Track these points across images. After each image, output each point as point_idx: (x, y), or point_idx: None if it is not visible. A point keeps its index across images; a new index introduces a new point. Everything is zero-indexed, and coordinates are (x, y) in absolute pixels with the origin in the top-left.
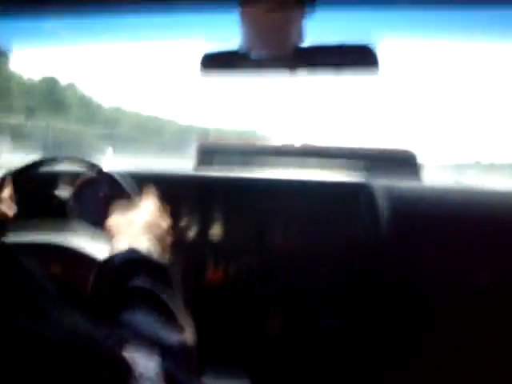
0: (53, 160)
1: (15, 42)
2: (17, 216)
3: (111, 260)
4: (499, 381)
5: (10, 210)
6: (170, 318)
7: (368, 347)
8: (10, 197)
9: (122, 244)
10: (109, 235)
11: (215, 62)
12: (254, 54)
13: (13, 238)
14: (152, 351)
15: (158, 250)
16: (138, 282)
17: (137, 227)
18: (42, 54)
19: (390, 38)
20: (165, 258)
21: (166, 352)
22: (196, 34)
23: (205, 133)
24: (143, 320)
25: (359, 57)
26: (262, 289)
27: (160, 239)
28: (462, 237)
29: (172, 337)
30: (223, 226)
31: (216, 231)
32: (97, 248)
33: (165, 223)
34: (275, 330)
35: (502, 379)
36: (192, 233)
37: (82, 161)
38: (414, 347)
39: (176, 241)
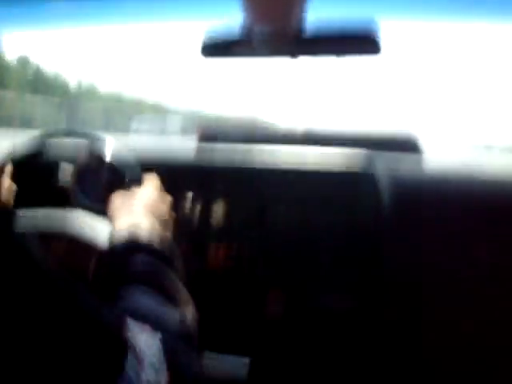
0: (54, 134)
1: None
2: (18, 198)
3: (112, 243)
4: (501, 377)
5: (10, 194)
6: (170, 298)
7: (369, 332)
8: (12, 180)
9: (122, 226)
10: (110, 217)
11: (216, 44)
12: (255, 34)
13: (14, 223)
14: (153, 330)
15: (158, 232)
16: (138, 263)
17: (138, 209)
18: (34, 37)
19: (396, 19)
20: (166, 240)
21: (167, 331)
22: (196, 15)
23: (203, 118)
24: (143, 300)
25: (361, 36)
26: (263, 272)
27: (161, 221)
28: (466, 224)
29: (172, 316)
30: (224, 209)
31: (217, 214)
32: (99, 232)
33: (166, 205)
34: (276, 312)
35: (503, 376)
36: (193, 215)
37: (83, 134)
38: (414, 334)
39: (177, 223)
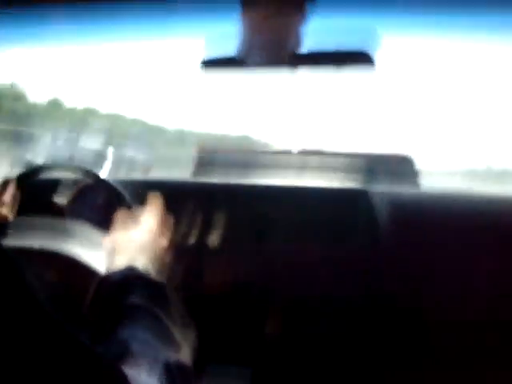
0: (53, 166)
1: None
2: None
3: (109, 277)
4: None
5: (10, 213)
6: (167, 335)
7: (368, 349)
8: (12, 200)
9: (120, 262)
10: (107, 251)
11: (215, 58)
12: (251, 59)
13: (11, 241)
14: (151, 367)
15: (156, 268)
16: (135, 299)
17: (136, 245)
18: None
19: (390, 37)
20: (163, 276)
21: (164, 369)
22: (194, 37)
23: (197, 139)
24: (140, 337)
25: (356, 61)
26: (261, 294)
27: (159, 257)
28: (462, 243)
29: (169, 354)
30: (222, 233)
31: (215, 237)
32: (94, 257)
33: (165, 240)
34: (275, 336)
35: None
36: (190, 239)
37: (81, 168)
38: (413, 354)
39: (175, 251)
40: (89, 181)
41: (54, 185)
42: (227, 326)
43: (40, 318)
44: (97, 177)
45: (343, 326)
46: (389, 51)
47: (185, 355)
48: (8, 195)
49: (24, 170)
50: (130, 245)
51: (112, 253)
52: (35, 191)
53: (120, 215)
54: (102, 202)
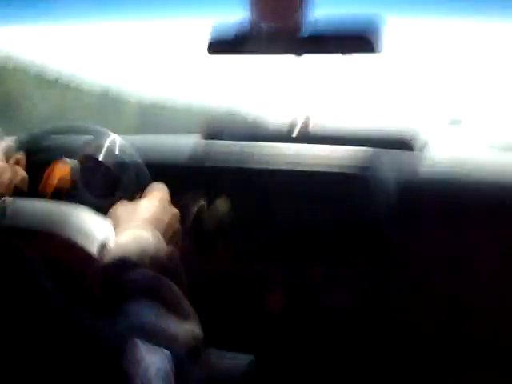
0: (59, 130)
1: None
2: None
3: (111, 253)
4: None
5: (25, 175)
6: (175, 307)
7: (371, 326)
8: (22, 167)
9: (126, 235)
10: (111, 224)
11: (222, 41)
12: (263, 27)
13: (14, 219)
14: (157, 343)
15: (160, 242)
16: (143, 273)
17: (143, 218)
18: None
19: (400, 17)
20: (169, 252)
21: (172, 343)
22: (201, 12)
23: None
24: (145, 312)
25: (364, 33)
26: (267, 264)
27: (164, 231)
28: (466, 227)
29: (176, 327)
30: (230, 200)
31: (222, 206)
32: (100, 229)
33: (170, 214)
34: (277, 309)
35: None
36: (198, 207)
37: (88, 130)
38: (416, 333)
39: (182, 219)
40: (99, 143)
41: (63, 148)
42: (229, 311)
43: (48, 309)
44: (107, 139)
45: (346, 309)
46: (394, 33)
47: (193, 327)
48: (23, 158)
49: (30, 134)
50: (134, 219)
51: (116, 227)
52: (42, 157)
53: (127, 184)
54: (112, 166)
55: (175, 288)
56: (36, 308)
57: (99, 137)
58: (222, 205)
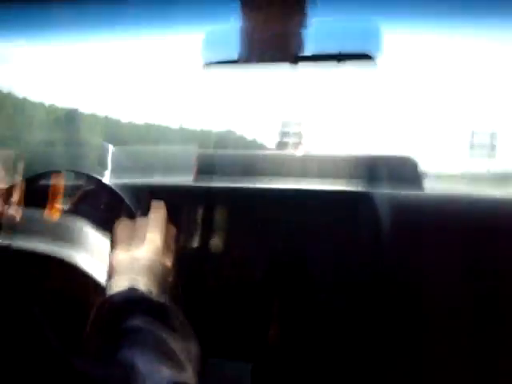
0: (53, 173)
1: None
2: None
3: (110, 299)
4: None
5: (18, 214)
6: (170, 355)
7: (371, 336)
8: (19, 202)
9: (121, 282)
10: (109, 271)
11: (214, 52)
12: (253, 60)
13: (15, 244)
14: None
15: (159, 289)
16: (137, 321)
17: (138, 265)
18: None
19: (392, 36)
20: (166, 297)
21: None
22: (194, 34)
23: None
24: (144, 358)
25: (359, 61)
26: (263, 298)
27: (161, 279)
28: (466, 247)
29: (174, 374)
30: (224, 236)
31: (216, 242)
32: (95, 265)
33: (169, 255)
34: (278, 322)
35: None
36: (192, 243)
37: (82, 173)
38: (413, 353)
39: (178, 257)
40: (90, 186)
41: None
42: (228, 322)
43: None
44: (98, 182)
45: (345, 328)
46: (391, 50)
47: (189, 376)
48: (14, 199)
49: (27, 176)
50: (132, 262)
51: (113, 270)
52: (37, 197)
53: (122, 225)
54: (103, 209)
55: (168, 338)
56: (38, 357)
57: (88, 180)
58: (215, 241)
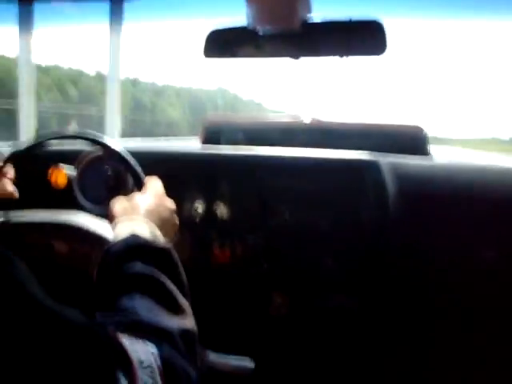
0: (55, 137)
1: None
2: (22, 196)
3: (112, 247)
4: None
5: (13, 189)
6: (171, 301)
7: (374, 328)
8: (15, 176)
9: (123, 229)
10: (111, 218)
11: (220, 39)
12: (260, 30)
13: (17, 217)
14: (151, 337)
15: (160, 235)
16: (138, 267)
17: (139, 212)
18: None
19: (398, 17)
20: (167, 243)
21: (166, 337)
22: (201, 13)
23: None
24: (142, 305)
25: (368, 32)
26: (267, 267)
27: (163, 224)
28: (472, 216)
29: (172, 321)
30: (229, 204)
31: (221, 210)
32: (101, 226)
33: (169, 207)
34: (280, 310)
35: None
36: (197, 211)
37: (86, 137)
38: (420, 330)
39: (180, 222)
40: (97, 151)
41: (62, 155)
42: (226, 313)
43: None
44: (106, 145)
45: (350, 303)
46: (396, 33)
47: (189, 321)
48: (12, 170)
49: (30, 142)
50: (133, 213)
51: (116, 221)
52: (43, 163)
53: (126, 188)
54: (110, 173)
55: (169, 283)
56: (26, 315)
57: (96, 143)
58: (221, 205)
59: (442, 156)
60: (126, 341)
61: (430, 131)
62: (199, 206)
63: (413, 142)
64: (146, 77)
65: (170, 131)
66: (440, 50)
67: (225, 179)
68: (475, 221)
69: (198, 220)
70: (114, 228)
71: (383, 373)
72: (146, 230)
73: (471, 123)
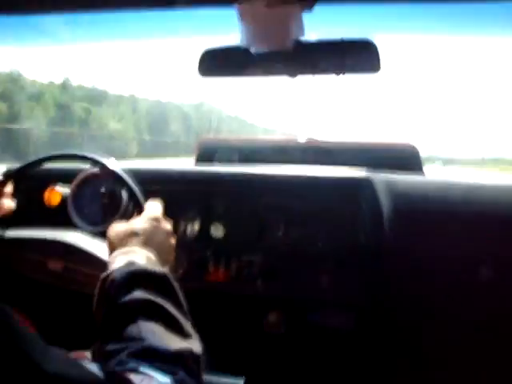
0: (54, 157)
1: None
2: (18, 213)
3: (110, 276)
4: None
5: (11, 206)
6: (175, 326)
7: (370, 347)
8: (12, 193)
9: (122, 257)
10: (109, 245)
11: (215, 58)
12: (254, 50)
13: (13, 233)
14: (164, 364)
15: (157, 261)
16: (139, 294)
17: (136, 240)
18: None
19: (390, 33)
20: (166, 267)
21: (178, 361)
22: (195, 32)
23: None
24: (149, 331)
25: (361, 52)
26: (263, 286)
27: (161, 248)
28: (466, 232)
29: (181, 344)
30: (224, 223)
31: (216, 228)
32: (95, 246)
33: (166, 231)
34: (276, 328)
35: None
36: (193, 230)
37: (84, 157)
38: (417, 346)
39: (176, 241)
40: (93, 170)
41: (58, 174)
42: (220, 333)
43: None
44: (102, 165)
45: (345, 322)
46: (390, 47)
47: (195, 344)
48: (10, 188)
49: (27, 161)
50: (131, 240)
51: (114, 248)
52: (37, 183)
53: (121, 210)
54: (104, 192)
55: (171, 307)
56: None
57: (94, 163)
58: (215, 225)
59: (435, 174)
60: (137, 379)
61: (433, 151)
62: (194, 225)
63: (406, 159)
64: (85, 80)
65: (109, 148)
66: (445, 69)
67: (220, 198)
68: (469, 236)
69: (193, 239)
70: (111, 260)
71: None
72: (143, 259)
73: (475, 143)
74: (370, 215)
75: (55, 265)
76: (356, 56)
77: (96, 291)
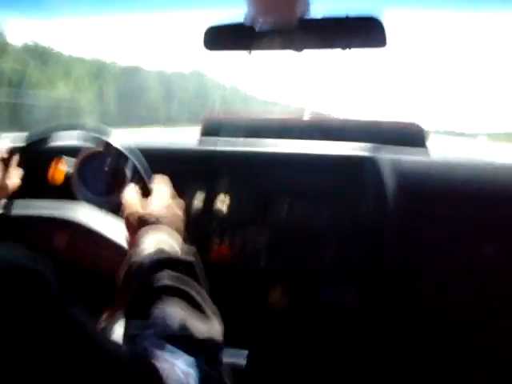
0: (58, 131)
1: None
2: (22, 190)
3: (138, 262)
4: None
5: (16, 183)
6: (201, 314)
7: (374, 324)
8: (17, 170)
9: (148, 242)
10: (128, 229)
11: (220, 34)
12: (259, 26)
13: (18, 210)
14: (188, 350)
15: (181, 244)
16: (166, 280)
17: (157, 222)
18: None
19: (397, 9)
20: (189, 252)
21: (201, 348)
22: (200, 7)
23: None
24: (175, 316)
25: (366, 28)
26: (266, 263)
27: (177, 228)
28: (471, 212)
29: (202, 329)
30: (228, 200)
31: (220, 205)
32: (102, 223)
33: (179, 212)
34: (280, 304)
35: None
36: (197, 207)
37: (88, 133)
38: (419, 325)
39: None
40: (97, 146)
41: (61, 152)
42: (224, 307)
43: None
44: (106, 143)
45: (347, 304)
46: (396, 23)
47: (218, 329)
48: (15, 165)
49: (30, 138)
50: (151, 224)
51: (134, 233)
52: (43, 159)
53: (127, 181)
54: (109, 169)
55: (197, 295)
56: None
57: (99, 134)
58: (219, 202)
59: (440, 150)
60: (163, 355)
61: (456, 127)
62: (198, 202)
63: (410, 137)
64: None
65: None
66: (463, 45)
67: (224, 174)
68: (474, 216)
69: (196, 215)
70: (139, 239)
71: (382, 369)
72: (170, 242)
73: (499, 117)
74: (374, 193)
75: (60, 242)
76: (361, 31)
77: (122, 273)
